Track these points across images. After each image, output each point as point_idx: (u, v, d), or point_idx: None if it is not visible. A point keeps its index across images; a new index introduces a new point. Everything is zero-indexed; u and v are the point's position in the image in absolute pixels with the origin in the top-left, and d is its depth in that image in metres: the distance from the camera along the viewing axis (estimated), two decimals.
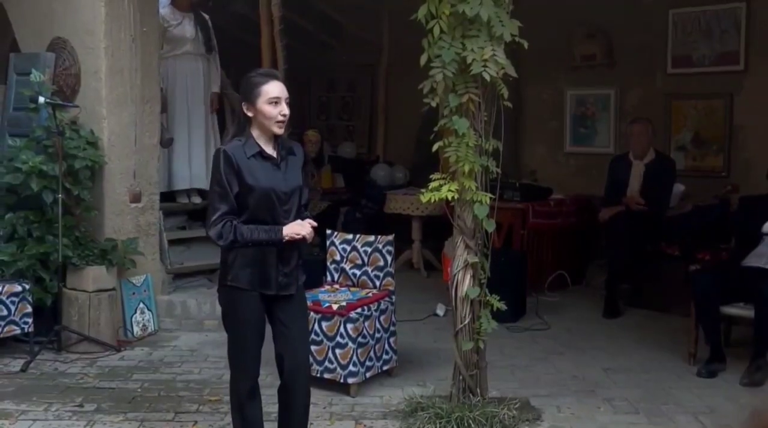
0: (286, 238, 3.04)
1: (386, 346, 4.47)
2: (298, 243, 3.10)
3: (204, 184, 6.20)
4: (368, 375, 4.31)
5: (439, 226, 7.12)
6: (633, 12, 7.08)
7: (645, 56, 7.10)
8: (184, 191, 6.29)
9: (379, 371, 4.42)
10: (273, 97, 3.04)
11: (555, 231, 6.68)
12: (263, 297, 3.10)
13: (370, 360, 4.32)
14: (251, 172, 3.02)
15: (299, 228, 3.05)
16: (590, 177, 7.20)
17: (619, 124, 7.34)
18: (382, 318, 4.45)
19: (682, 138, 6.96)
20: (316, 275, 5.94)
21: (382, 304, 4.48)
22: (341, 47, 9.43)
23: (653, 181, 6.14)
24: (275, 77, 3.12)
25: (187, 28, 6.17)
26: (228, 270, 3.09)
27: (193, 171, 6.21)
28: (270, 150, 3.10)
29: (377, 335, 4.39)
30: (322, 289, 4.65)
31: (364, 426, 3.84)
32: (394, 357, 4.54)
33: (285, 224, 3.06)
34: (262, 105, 3.04)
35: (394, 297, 4.60)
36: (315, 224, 3.12)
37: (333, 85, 9.99)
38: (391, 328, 4.54)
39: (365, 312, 4.32)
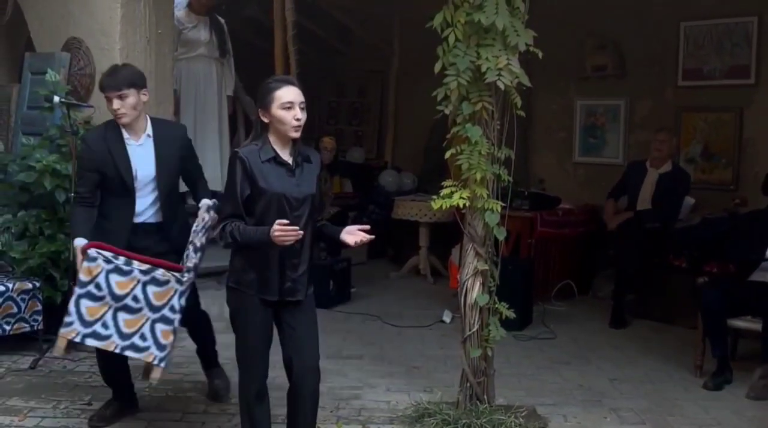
0: (274, 236, 2.92)
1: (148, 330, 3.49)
2: (306, 248, 3.12)
3: (218, 186, 6.23)
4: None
5: (446, 233, 7.16)
6: (644, 24, 7.11)
7: (655, 68, 7.12)
8: None
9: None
10: (286, 101, 3.07)
11: (562, 240, 6.70)
12: (267, 301, 3.12)
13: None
14: (264, 177, 3.06)
15: (286, 235, 2.93)
16: (598, 187, 7.20)
17: (628, 135, 7.36)
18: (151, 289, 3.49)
19: (692, 150, 6.96)
20: (323, 279, 6.00)
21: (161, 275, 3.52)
22: (352, 53, 9.47)
23: (665, 192, 6.16)
24: (290, 83, 3.15)
25: (201, 31, 6.22)
26: (232, 273, 3.15)
27: (206, 174, 6.20)
28: (285, 155, 3.13)
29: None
30: None
31: None
32: (157, 353, 3.47)
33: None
34: (276, 110, 3.08)
35: (187, 277, 3.62)
36: (302, 233, 3.00)
37: (343, 91, 10.02)
38: (166, 313, 3.51)
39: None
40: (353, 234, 3.19)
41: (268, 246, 3.02)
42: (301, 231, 3.01)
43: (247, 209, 3.09)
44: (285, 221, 3.00)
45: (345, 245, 3.25)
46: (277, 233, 2.93)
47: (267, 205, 3.06)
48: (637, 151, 7.00)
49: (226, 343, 5.02)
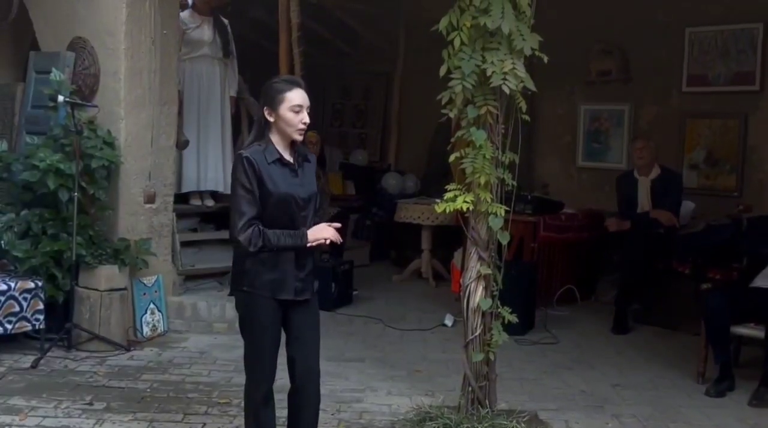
0: (312, 244, 3.06)
1: None
2: (313, 248, 3.12)
3: (219, 186, 6.23)
4: None
5: (448, 236, 7.16)
6: (650, 30, 7.10)
7: (660, 74, 7.11)
8: (197, 193, 6.31)
9: None
10: (296, 104, 3.07)
11: (565, 245, 6.68)
12: (279, 302, 3.11)
13: None
14: (271, 178, 3.05)
15: (324, 232, 3.09)
16: (602, 192, 7.21)
17: (632, 140, 7.34)
18: None
19: (696, 156, 6.96)
20: (325, 281, 5.99)
21: None
22: (357, 55, 9.47)
23: (661, 196, 6.16)
24: (299, 85, 3.14)
25: (205, 31, 6.20)
26: (244, 276, 3.10)
27: (208, 174, 6.23)
28: (288, 156, 3.13)
29: None
30: None
31: None
32: None
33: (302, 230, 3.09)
34: (284, 112, 3.07)
35: None
36: (338, 225, 3.16)
37: (347, 93, 10.03)
38: None
39: None
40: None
41: (298, 250, 3.06)
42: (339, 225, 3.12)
43: None
44: (337, 225, 3.13)
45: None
46: (312, 235, 3.06)
47: (276, 206, 3.05)
48: None
49: (227, 344, 5.07)
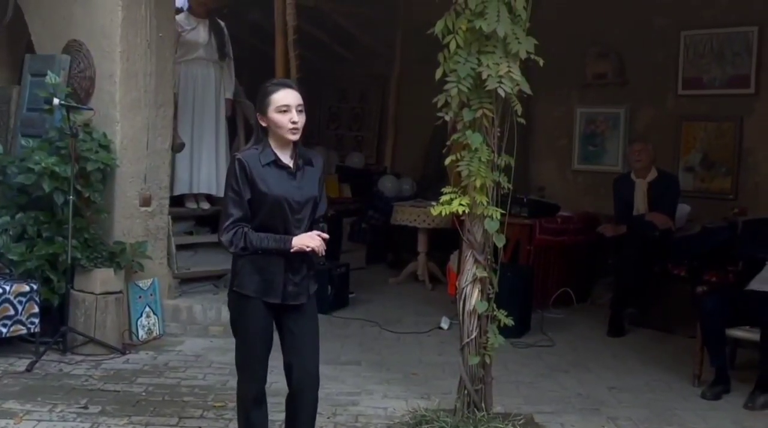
0: (294, 249, 3.04)
1: None
2: (306, 253, 3.11)
3: (213, 189, 6.22)
4: None
5: (444, 239, 7.16)
6: (645, 33, 7.12)
7: (656, 77, 7.13)
8: (193, 196, 6.30)
9: None
10: (282, 104, 3.06)
11: (561, 248, 6.68)
12: (270, 305, 3.11)
13: None
14: (264, 180, 3.04)
15: (309, 240, 3.05)
16: (598, 195, 7.21)
17: (628, 143, 7.35)
18: None
19: (691, 159, 6.97)
20: (322, 284, 5.98)
21: None
22: (354, 58, 9.48)
23: (658, 199, 6.17)
24: (286, 86, 3.13)
25: (201, 33, 6.20)
26: (235, 277, 3.12)
27: (201, 176, 6.22)
28: (287, 159, 3.12)
29: None
30: None
31: None
32: None
33: (297, 234, 3.07)
34: (273, 113, 3.07)
35: None
36: (326, 236, 3.13)
37: (344, 96, 10.03)
38: None
39: None
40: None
41: (285, 254, 3.04)
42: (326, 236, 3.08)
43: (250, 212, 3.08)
44: (325, 235, 3.10)
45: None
46: (296, 242, 3.01)
47: (268, 208, 3.05)
48: None
49: (222, 348, 5.06)
